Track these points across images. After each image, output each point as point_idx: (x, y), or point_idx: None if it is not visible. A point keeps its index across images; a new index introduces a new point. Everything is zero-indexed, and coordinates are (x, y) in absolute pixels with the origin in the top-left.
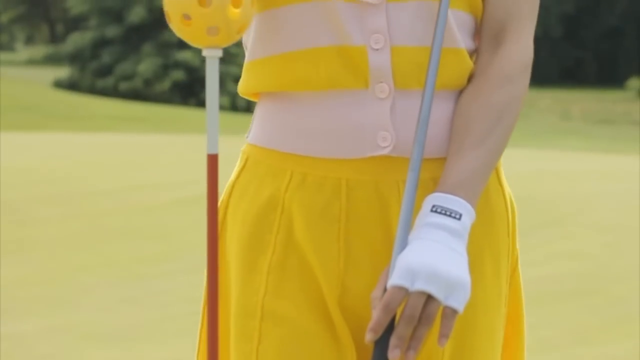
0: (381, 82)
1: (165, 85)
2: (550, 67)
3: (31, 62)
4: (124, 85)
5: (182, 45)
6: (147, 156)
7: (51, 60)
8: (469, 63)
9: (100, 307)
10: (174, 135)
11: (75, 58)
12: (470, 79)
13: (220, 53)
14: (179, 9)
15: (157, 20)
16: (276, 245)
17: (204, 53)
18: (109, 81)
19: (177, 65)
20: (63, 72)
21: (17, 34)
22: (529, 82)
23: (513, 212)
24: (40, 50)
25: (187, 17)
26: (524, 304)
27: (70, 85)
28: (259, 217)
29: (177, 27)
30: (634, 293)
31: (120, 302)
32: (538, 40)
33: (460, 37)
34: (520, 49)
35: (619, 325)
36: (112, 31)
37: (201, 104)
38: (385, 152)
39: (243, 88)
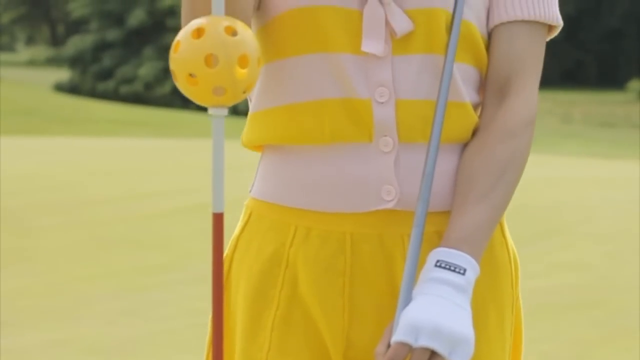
0: (385, 135)
1: (166, 88)
2: (550, 69)
3: (32, 63)
4: (124, 89)
5: None
6: (147, 162)
7: (52, 62)
8: (473, 117)
9: (102, 319)
10: (175, 140)
11: (76, 61)
12: (474, 132)
13: (226, 112)
14: (185, 69)
15: (157, 24)
16: (280, 301)
17: (210, 112)
18: (109, 84)
19: None
20: (64, 74)
21: (18, 34)
22: None
23: (516, 263)
24: (41, 50)
25: (193, 76)
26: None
27: (71, 89)
28: (262, 272)
29: (184, 86)
30: (634, 305)
31: (122, 314)
32: None
33: (465, 91)
34: (524, 103)
35: (619, 338)
36: (112, 34)
37: (202, 107)
38: (389, 205)
39: (246, 140)
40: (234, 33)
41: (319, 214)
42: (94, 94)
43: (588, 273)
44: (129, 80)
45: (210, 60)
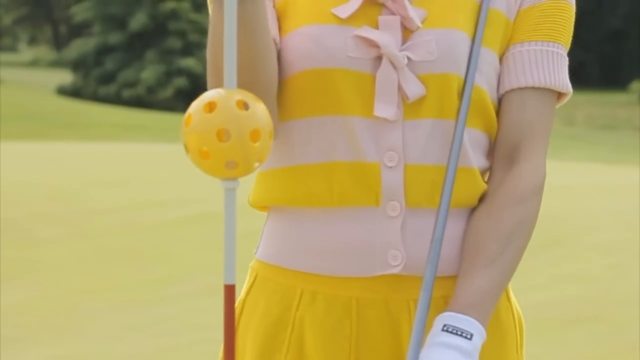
0: (393, 200)
1: (168, 92)
2: None
3: (34, 64)
4: (127, 92)
5: (185, 52)
6: (150, 170)
7: (55, 65)
8: (481, 183)
9: (106, 335)
10: (177, 145)
11: (78, 65)
12: (482, 197)
13: (238, 184)
14: (198, 143)
15: (160, 27)
16: None
17: (222, 184)
18: (111, 88)
19: (180, 72)
20: (66, 76)
21: (20, 34)
22: None
23: (521, 328)
24: (43, 51)
25: (205, 150)
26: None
27: (74, 92)
28: (268, 336)
29: (196, 160)
30: (636, 319)
31: (126, 329)
32: None
33: (473, 157)
34: (533, 169)
35: (621, 354)
36: (115, 38)
37: None
38: (395, 270)
39: (253, 200)
40: (245, 107)
41: (325, 278)
42: (96, 97)
43: (591, 286)
44: (131, 84)
45: (222, 135)
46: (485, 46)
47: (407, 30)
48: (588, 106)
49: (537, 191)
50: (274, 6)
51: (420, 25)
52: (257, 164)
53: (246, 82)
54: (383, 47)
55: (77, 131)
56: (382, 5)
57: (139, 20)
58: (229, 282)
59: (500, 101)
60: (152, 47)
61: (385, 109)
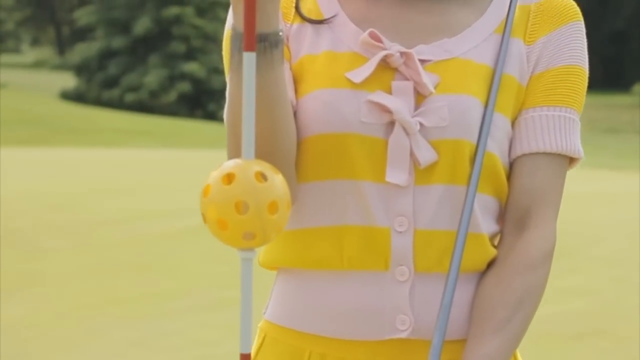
0: (401, 265)
1: (171, 96)
2: None
3: (37, 65)
4: (130, 97)
5: (188, 56)
6: (154, 177)
7: (58, 68)
8: (490, 249)
9: (110, 351)
10: (181, 151)
11: (81, 69)
12: (492, 261)
13: (254, 255)
14: (216, 214)
15: (163, 32)
16: None
17: (239, 254)
18: (115, 92)
19: (184, 76)
20: (69, 79)
21: (23, 35)
22: None
23: None
24: (46, 52)
25: (223, 221)
26: None
27: (77, 97)
28: None
29: (213, 230)
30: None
31: (130, 344)
32: None
33: (483, 223)
34: (543, 235)
35: None
36: (118, 42)
37: (207, 116)
38: (403, 335)
39: (263, 260)
40: (264, 179)
41: (333, 341)
42: (99, 102)
43: (595, 299)
44: (135, 89)
45: (240, 207)
46: (497, 112)
47: (420, 96)
48: (591, 109)
49: (547, 257)
50: (290, 68)
51: (432, 91)
52: (274, 235)
53: (266, 150)
54: (396, 113)
55: (80, 136)
56: (396, 69)
57: (142, 25)
58: (245, 351)
59: (511, 165)
60: (155, 52)
61: (397, 175)
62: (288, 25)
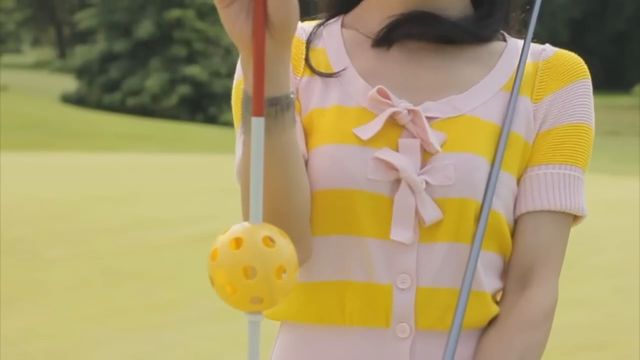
0: (402, 322)
1: (172, 100)
2: None
3: (38, 65)
4: (131, 101)
5: (189, 60)
6: (155, 184)
7: (59, 71)
8: (492, 306)
9: None
10: (182, 156)
11: (83, 72)
12: (494, 318)
13: (262, 318)
14: (223, 278)
15: (164, 35)
16: None
17: (246, 317)
18: (116, 96)
19: (185, 80)
20: (70, 83)
21: (24, 36)
22: None
23: None
24: (47, 52)
25: (231, 286)
26: None
27: (78, 100)
28: None
29: (220, 293)
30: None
31: (131, 358)
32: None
33: (486, 281)
34: (545, 293)
35: None
36: (119, 46)
37: (208, 119)
38: None
39: (265, 313)
40: (272, 243)
41: None
42: (100, 105)
43: (595, 310)
44: (136, 92)
45: (248, 272)
46: (503, 170)
47: (426, 153)
48: None
49: (549, 316)
50: (300, 120)
51: (439, 149)
52: (281, 299)
53: (281, 209)
54: (402, 172)
55: (81, 141)
56: (403, 127)
57: (144, 29)
58: None
59: (515, 222)
60: (156, 55)
61: (401, 233)
62: (298, 77)
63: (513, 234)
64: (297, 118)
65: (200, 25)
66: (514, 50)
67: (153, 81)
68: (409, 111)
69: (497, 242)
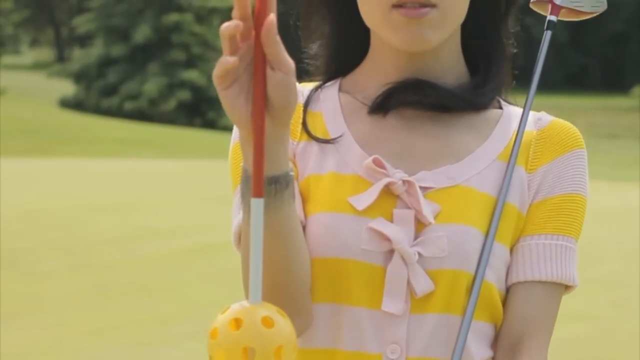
0: None
1: (170, 104)
2: (555, 73)
3: (36, 66)
4: (129, 105)
5: (188, 64)
6: (153, 193)
7: (57, 74)
8: None
9: None
10: (180, 162)
11: (81, 76)
12: None
13: None
14: (223, 358)
15: (162, 40)
16: None
17: None
18: (114, 100)
19: (183, 84)
20: (68, 87)
21: (22, 36)
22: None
23: None
24: (45, 53)
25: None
26: None
27: (76, 105)
28: None
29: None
30: None
31: None
32: None
33: (475, 352)
34: None
35: None
36: (117, 50)
37: (206, 124)
38: None
39: None
40: (270, 324)
41: None
42: (98, 110)
43: (594, 324)
44: (134, 97)
45: (247, 353)
46: (497, 241)
47: (420, 224)
48: (590, 113)
49: None
50: (297, 185)
51: (432, 222)
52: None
53: (282, 282)
54: (395, 243)
55: (79, 146)
56: (398, 197)
57: (142, 33)
58: None
59: (507, 290)
60: (154, 60)
61: (393, 304)
62: (295, 142)
63: (504, 302)
64: (295, 183)
65: (198, 29)
66: (510, 118)
67: (151, 85)
68: (404, 182)
69: (489, 312)
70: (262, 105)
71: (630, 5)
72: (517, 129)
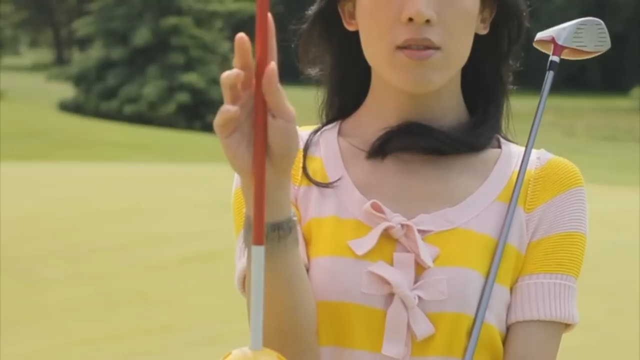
0: None
1: (170, 107)
2: (554, 74)
3: (35, 67)
4: (128, 108)
5: (187, 67)
6: (151, 198)
7: (56, 77)
8: None
9: None
10: (179, 166)
11: (80, 80)
12: None
13: None
14: None
15: (162, 43)
16: None
17: None
18: (113, 104)
19: (182, 87)
20: (68, 90)
21: (21, 37)
22: (532, 89)
23: None
24: (44, 54)
25: None
26: None
27: (75, 108)
28: None
29: None
30: None
31: None
32: None
33: None
34: None
35: None
36: (117, 53)
37: (206, 127)
38: None
39: None
40: None
41: None
42: (98, 113)
43: (593, 333)
44: (133, 100)
45: None
46: (497, 283)
47: (420, 267)
48: (589, 114)
49: None
50: (300, 229)
51: (431, 265)
52: None
53: (286, 327)
54: (395, 287)
55: (79, 150)
56: (397, 240)
57: (142, 36)
58: None
59: (507, 329)
60: (154, 63)
61: (393, 348)
62: (296, 187)
63: (504, 342)
64: (298, 228)
65: (197, 32)
66: (509, 157)
67: (150, 89)
68: (402, 225)
69: (489, 354)
70: (262, 153)
71: (629, 6)
72: (516, 169)
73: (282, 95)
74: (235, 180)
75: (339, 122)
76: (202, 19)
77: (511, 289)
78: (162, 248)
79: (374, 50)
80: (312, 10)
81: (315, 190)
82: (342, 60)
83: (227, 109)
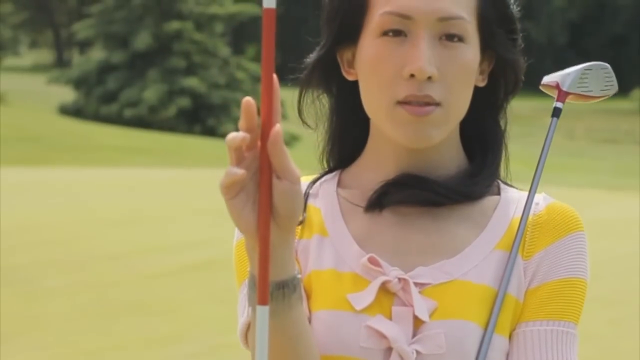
0: None
1: (170, 111)
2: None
3: (36, 68)
4: (128, 112)
5: (187, 71)
6: (152, 205)
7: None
8: None
9: None
10: (180, 170)
11: (80, 83)
12: None
13: None
14: None
15: (162, 47)
16: None
17: None
18: (113, 107)
19: (183, 91)
20: (68, 93)
21: (22, 38)
22: (531, 90)
23: None
24: (44, 54)
25: None
26: None
27: (76, 111)
28: None
29: None
30: None
31: None
32: (542, 48)
33: None
34: None
35: None
36: (117, 57)
37: (206, 131)
38: None
39: None
40: None
41: None
42: (98, 116)
43: (593, 344)
44: (133, 104)
45: None
46: (496, 333)
47: (418, 320)
48: (589, 116)
49: None
50: (301, 281)
51: (427, 319)
52: None
53: None
54: (393, 342)
55: (79, 154)
56: (395, 294)
57: (142, 40)
58: None
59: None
60: (154, 67)
61: None
62: (296, 240)
63: None
64: (301, 284)
65: (198, 36)
66: (508, 204)
67: (151, 93)
68: (400, 279)
69: None
70: (267, 214)
71: (629, 7)
72: (515, 215)
73: (287, 157)
74: (237, 232)
75: (339, 172)
76: (203, 23)
77: (510, 336)
78: (163, 256)
79: (373, 103)
80: (311, 58)
81: (314, 242)
82: (341, 109)
83: (234, 172)
